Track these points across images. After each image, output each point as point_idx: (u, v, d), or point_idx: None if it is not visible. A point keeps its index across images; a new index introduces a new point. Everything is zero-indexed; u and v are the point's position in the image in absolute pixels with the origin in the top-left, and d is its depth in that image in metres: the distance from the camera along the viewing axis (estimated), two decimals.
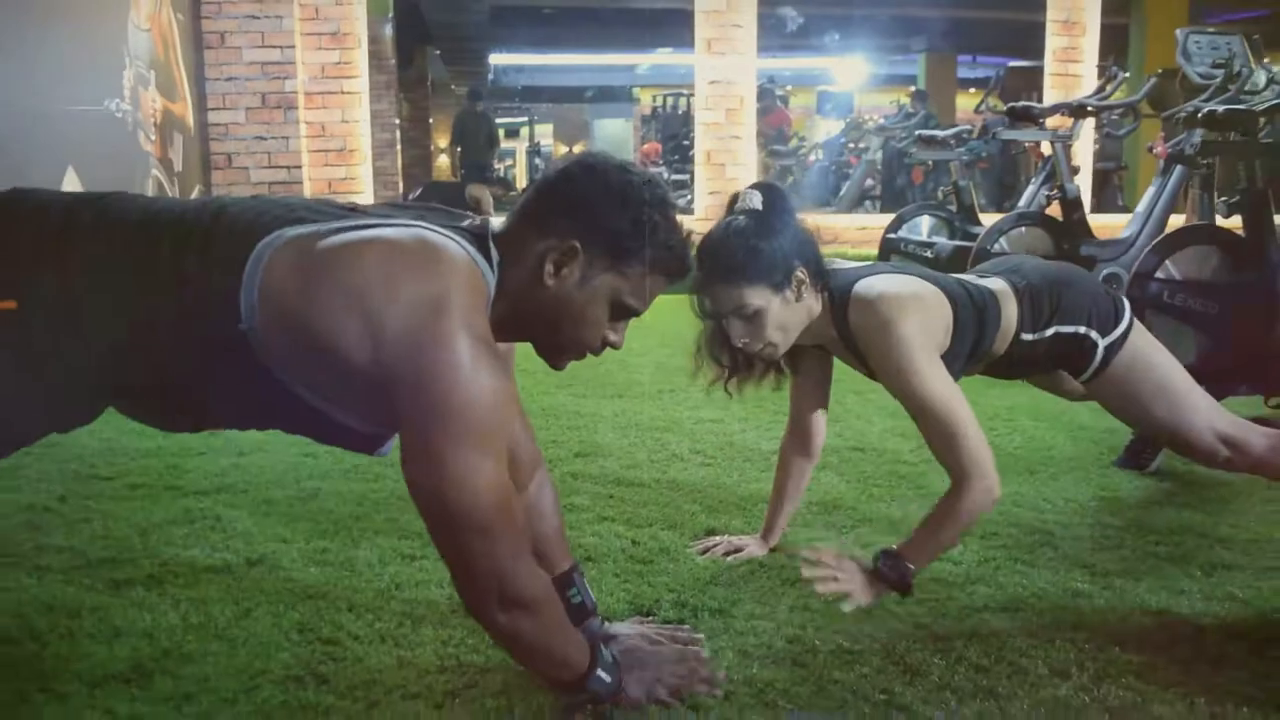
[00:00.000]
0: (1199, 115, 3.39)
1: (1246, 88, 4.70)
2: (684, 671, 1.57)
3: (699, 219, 7.08)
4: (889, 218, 5.84)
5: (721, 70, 6.84)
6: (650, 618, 1.85)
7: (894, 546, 1.80)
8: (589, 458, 2.86)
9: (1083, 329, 2.03)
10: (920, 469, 2.75)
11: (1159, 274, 3.30)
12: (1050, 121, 5.35)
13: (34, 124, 4.17)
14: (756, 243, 1.85)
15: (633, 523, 2.35)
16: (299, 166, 6.51)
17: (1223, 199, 3.42)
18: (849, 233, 6.95)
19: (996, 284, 2.05)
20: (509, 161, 19.33)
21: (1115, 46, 12.09)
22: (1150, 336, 2.12)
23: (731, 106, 6.86)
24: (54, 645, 1.74)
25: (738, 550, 2.18)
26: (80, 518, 2.37)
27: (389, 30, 10.52)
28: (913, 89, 13.14)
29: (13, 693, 1.58)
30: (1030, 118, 4.92)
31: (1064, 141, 4.74)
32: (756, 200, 1.90)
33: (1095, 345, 2.04)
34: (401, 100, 12.42)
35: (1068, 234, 4.46)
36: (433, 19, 13.63)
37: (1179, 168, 4.45)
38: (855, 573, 1.75)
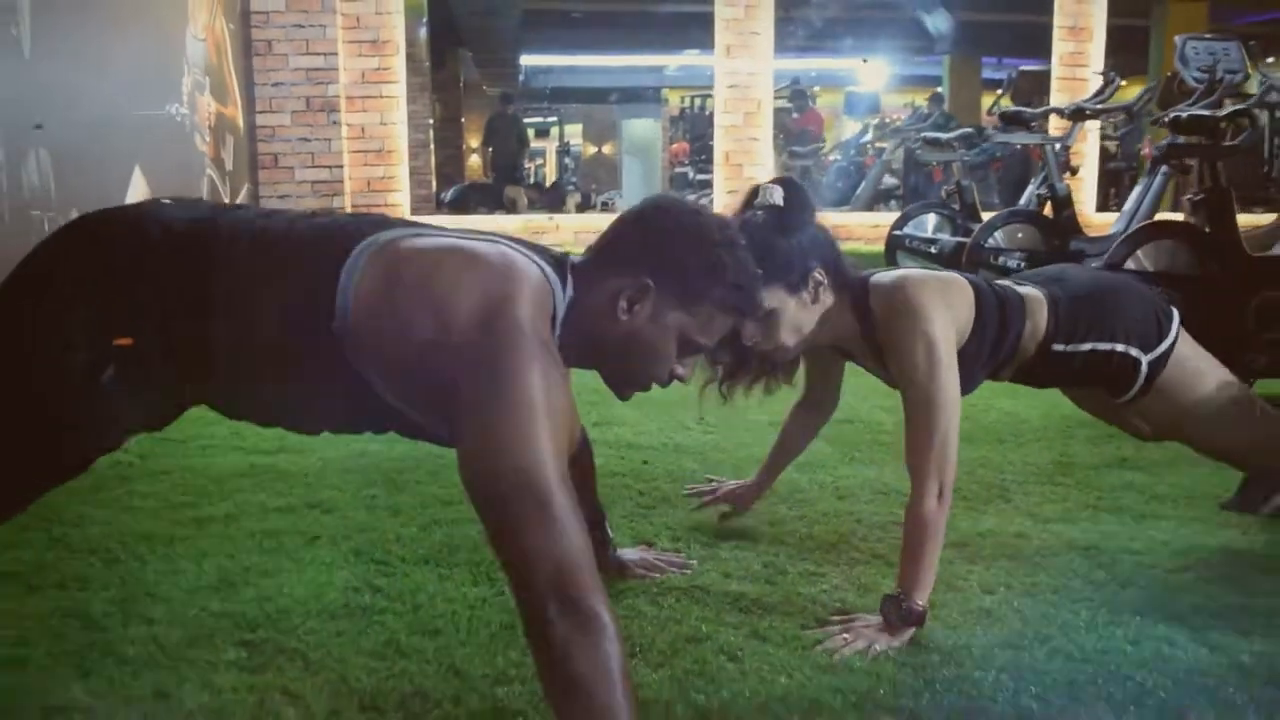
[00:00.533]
0: (1166, 120, 3.69)
1: (1242, 91, 4.96)
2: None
3: None
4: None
5: (740, 75, 7.18)
6: (650, 546, 2.19)
7: (894, 590, 1.77)
8: (605, 426, 3.20)
9: (1120, 346, 2.00)
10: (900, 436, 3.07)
11: (1129, 265, 3.60)
12: (1056, 123, 5.64)
13: (105, 128, 4.57)
14: (774, 241, 1.79)
15: (639, 477, 2.69)
16: (340, 166, 6.91)
17: (1186, 197, 3.71)
18: (861, 229, 7.26)
19: (1028, 289, 2.03)
20: (539, 161, 19.65)
21: (1135, 49, 12.31)
22: (1195, 345, 2.09)
23: (749, 110, 7.19)
24: (153, 563, 2.11)
25: (731, 493, 2.32)
26: (160, 470, 2.74)
27: (423, 33, 10.91)
28: (932, 91, 13.43)
29: (125, 596, 1.94)
30: (1022, 122, 5.22)
31: (1053, 144, 5.04)
32: (778, 196, 1.84)
33: (1138, 363, 2.01)
34: (435, 101, 12.79)
35: (1057, 230, 4.76)
36: (465, 22, 14.00)
37: (1164, 168, 4.73)
38: (867, 628, 1.75)
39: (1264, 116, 4.28)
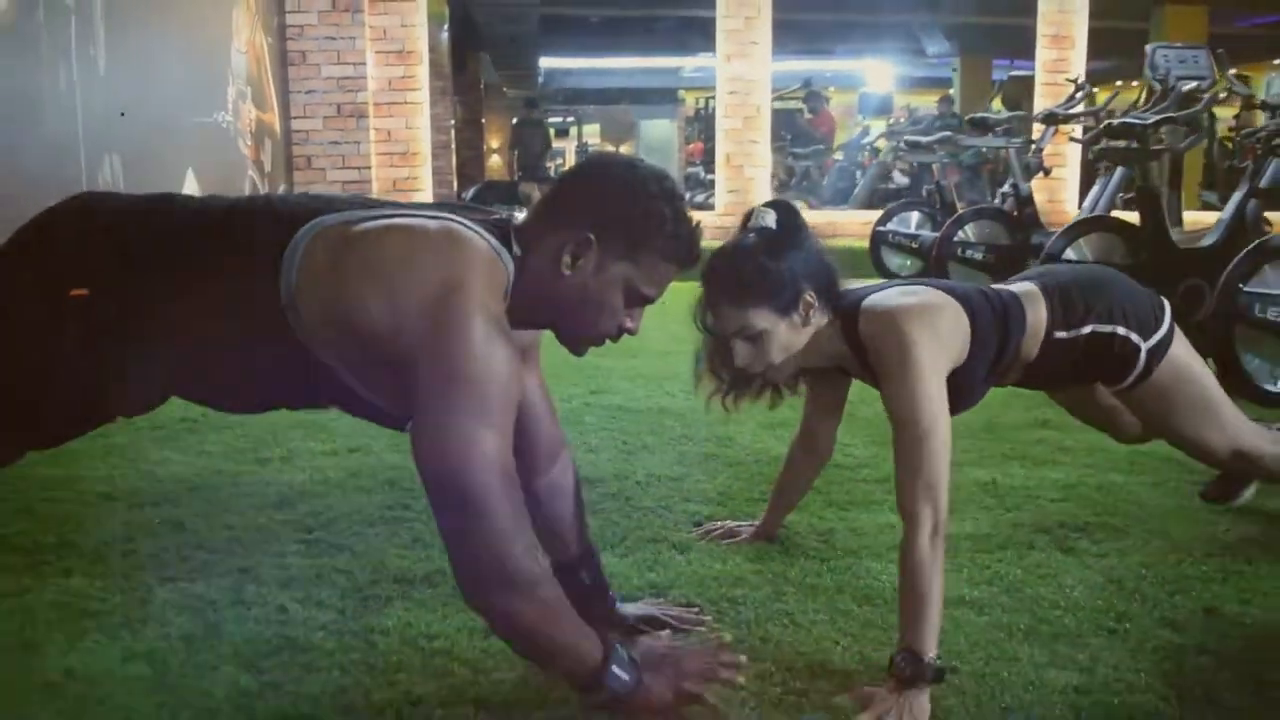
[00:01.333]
0: (1102, 126, 4.16)
1: (1196, 95, 5.39)
2: (708, 659, 1.52)
3: (720, 214, 7.89)
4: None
5: (740, 81, 7.67)
6: (660, 599, 1.97)
7: (900, 646, 1.61)
8: (599, 394, 3.69)
9: (1121, 330, 1.99)
10: None
11: (1067, 254, 4.07)
12: (1038, 127, 6.07)
13: (162, 134, 5.12)
14: (766, 264, 1.80)
15: (624, 431, 3.19)
16: (368, 167, 7.43)
17: (1121, 194, 4.17)
18: (854, 226, 7.73)
19: (1023, 286, 2.03)
20: (559, 161, 20.14)
21: (1133, 53, 12.65)
22: (1189, 345, 2.10)
23: (749, 114, 7.68)
24: (224, 490, 2.62)
25: (734, 534, 2.28)
26: (224, 425, 3.25)
27: (445, 38, 11.40)
28: (943, 93, 13.87)
29: (207, 511, 2.45)
30: (987, 127, 5.68)
31: (1015, 147, 5.50)
32: (770, 219, 1.84)
33: (1137, 349, 2.00)
34: (456, 104, 13.30)
35: (1020, 225, 5.23)
36: (486, 27, 14.50)
37: (1120, 167, 5.17)
38: (885, 695, 1.57)
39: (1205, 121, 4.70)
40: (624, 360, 4.19)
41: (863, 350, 1.86)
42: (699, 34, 14.46)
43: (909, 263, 6.36)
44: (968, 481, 2.70)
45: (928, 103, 14.42)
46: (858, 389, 2.11)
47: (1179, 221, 4.73)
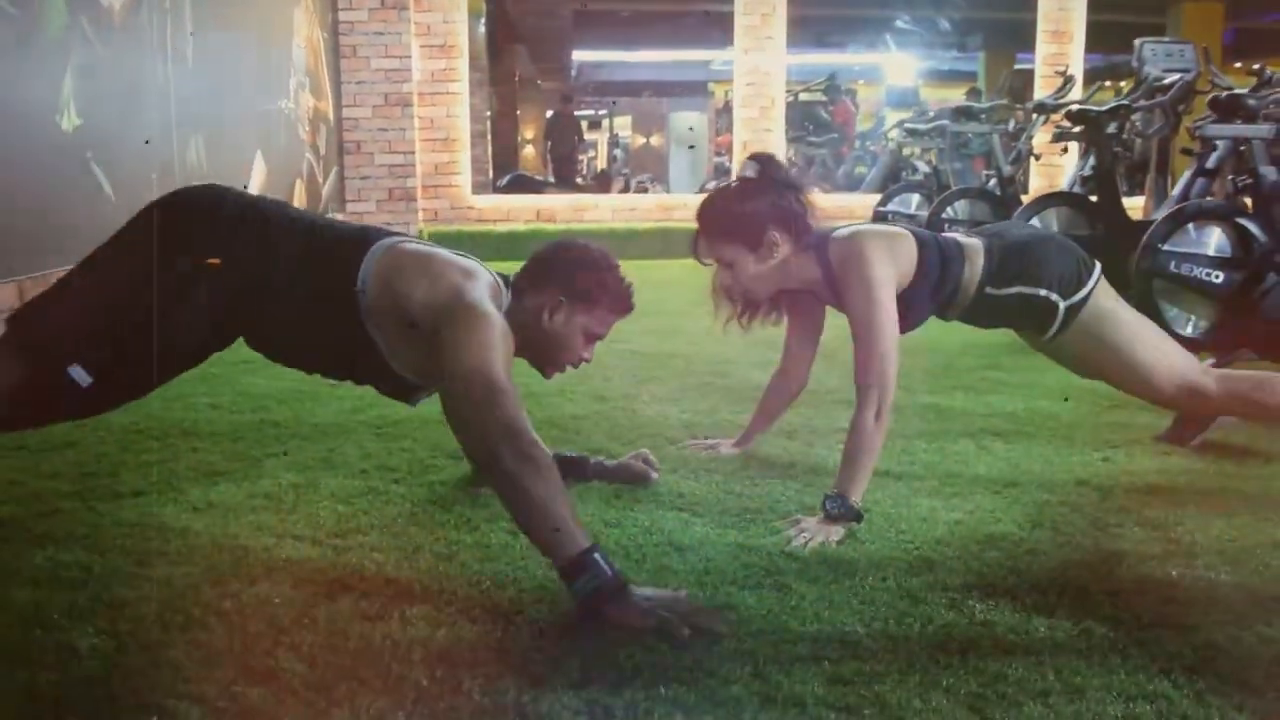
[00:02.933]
0: (1064, 112, 4.68)
1: (1176, 88, 5.86)
2: (685, 609, 1.66)
3: None
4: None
5: (756, 73, 8.23)
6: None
7: (833, 490, 2.10)
8: (616, 343, 4.27)
9: (1043, 291, 2.31)
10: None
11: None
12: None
13: (236, 120, 5.77)
14: (737, 207, 2.23)
15: (636, 367, 3.77)
16: (412, 152, 8.07)
17: (1081, 174, 4.69)
18: (864, 210, 8.25)
19: (970, 240, 2.37)
20: (590, 154, 20.56)
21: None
22: (1116, 298, 2.37)
23: (764, 104, 8.24)
24: (306, 402, 3.22)
25: (712, 448, 2.66)
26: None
27: (482, 32, 11.97)
28: (970, 85, 14.32)
29: (294, 415, 3.06)
30: (973, 116, 6.20)
31: (998, 133, 6.02)
32: (751, 170, 2.26)
33: (1056, 306, 2.31)
34: (492, 95, 13.84)
35: (1003, 204, 5.74)
36: (521, 21, 15.03)
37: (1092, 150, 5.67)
38: (814, 524, 2.05)
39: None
40: (641, 320, 4.76)
41: (832, 274, 2.24)
42: (725, 28, 14.95)
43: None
44: (916, 404, 3.24)
45: (954, 96, 14.82)
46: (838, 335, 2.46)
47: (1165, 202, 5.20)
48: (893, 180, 9.96)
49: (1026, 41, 16.17)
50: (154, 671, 1.51)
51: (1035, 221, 4.65)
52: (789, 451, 2.71)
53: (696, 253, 2.34)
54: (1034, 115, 6.39)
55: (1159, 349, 2.38)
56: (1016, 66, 10.16)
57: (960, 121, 6.48)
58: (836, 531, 2.05)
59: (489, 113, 12.24)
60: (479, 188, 9.23)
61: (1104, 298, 2.37)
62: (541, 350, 2.19)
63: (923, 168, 11.43)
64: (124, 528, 2.10)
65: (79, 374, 1.95)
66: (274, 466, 2.54)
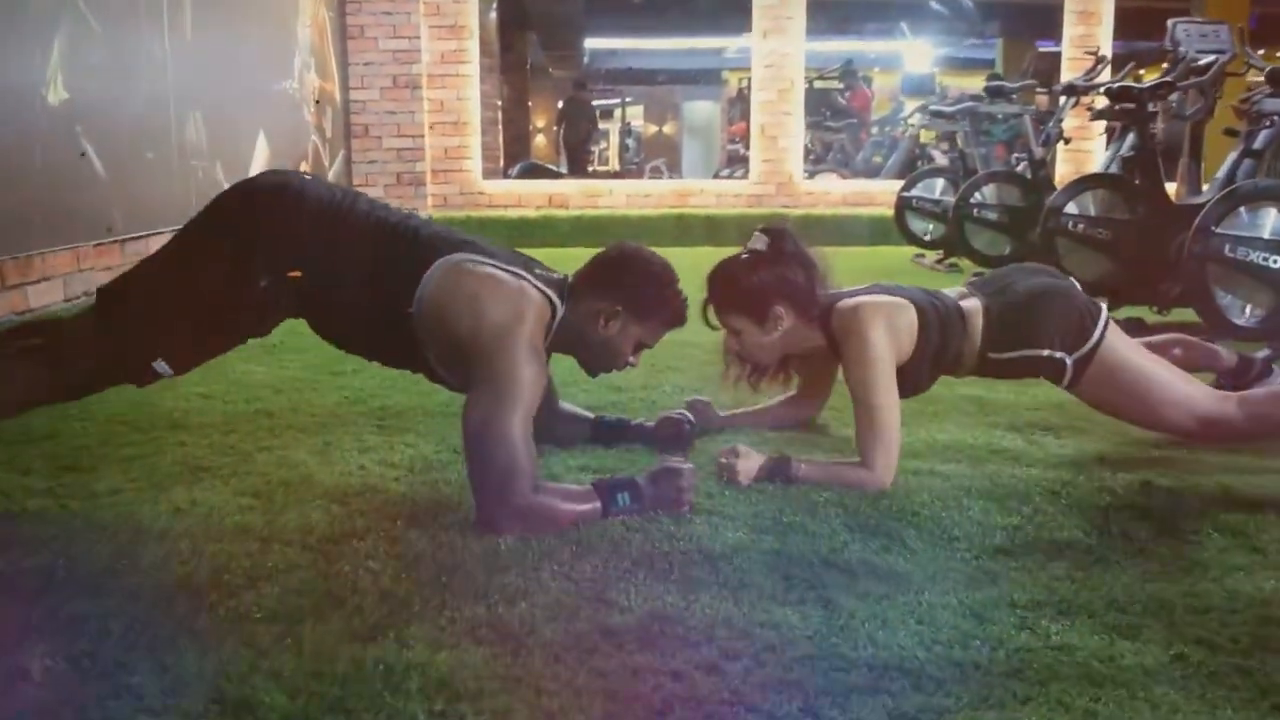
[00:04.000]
0: (1104, 90, 4.44)
1: (1215, 68, 5.61)
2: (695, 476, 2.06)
3: (754, 182, 8.22)
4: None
5: (775, 55, 7.99)
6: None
7: (796, 459, 2.22)
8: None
9: (1046, 352, 2.36)
10: None
11: (1069, 208, 4.37)
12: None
13: (238, 98, 5.56)
14: (744, 280, 2.30)
15: (655, 357, 3.55)
16: (421, 136, 7.86)
17: (1122, 155, 4.46)
18: (884, 196, 8.03)
19: (970, 303, 2.41)
20: (603, 145, 20.41)
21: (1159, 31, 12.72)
22: (1125, 341, 2.41)
23: (783, 88, 8.00)
24: (306, 392, 3.02)
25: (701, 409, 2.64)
26: (300, 348, 3.64)
27: (493, 17, 11.79)
28: (990, 72, 14.11)
29: (292, 405, 2.86)
30: (1003, 94, 5.96)
31: (1029, 114, 5.78)
32: (761, 243, 2.32)
33: (1063, 363, 2.36)
34: (503, 83, 13.68)
35: (1034, 187, 5.51)
36: (532, 7, 14.86)
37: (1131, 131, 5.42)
38: (751, 462, 2.19)
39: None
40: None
41: (835, 343, 2.31)
42: (740, 15, 14.75)
43: (932, 226, 6.63)
44: (956, 395, 3.03)
45: (971, 84, 14.62)
46: None
47: (1198, 188, 4.97)
48: (911, 167, 9.75)
49: (1045, 28, 16.12)
50: (113, 701, 1.31)
51: (1072, 206, 4.43)
52: (823, 449, 2.51)
53: (705, 318, 2.39)
54: (1064, 98, 6.15)
55: (1174, 386, 2.42)
56: (1041, 49, 9.88)
57: (990, 102, 6.22)
58: (751, 469, 2.19)
59: (500, 100, 12.06)
60: (490, 175, 9.03)
61: (1114, 342, 2.39)
62: (590, 353, 2.22)
63: (938, 156, 11.28)
64: (96, 531, 1.90)
65: (163, 368, 2.08)
66: (265, 462, 2.34)
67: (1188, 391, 2.42)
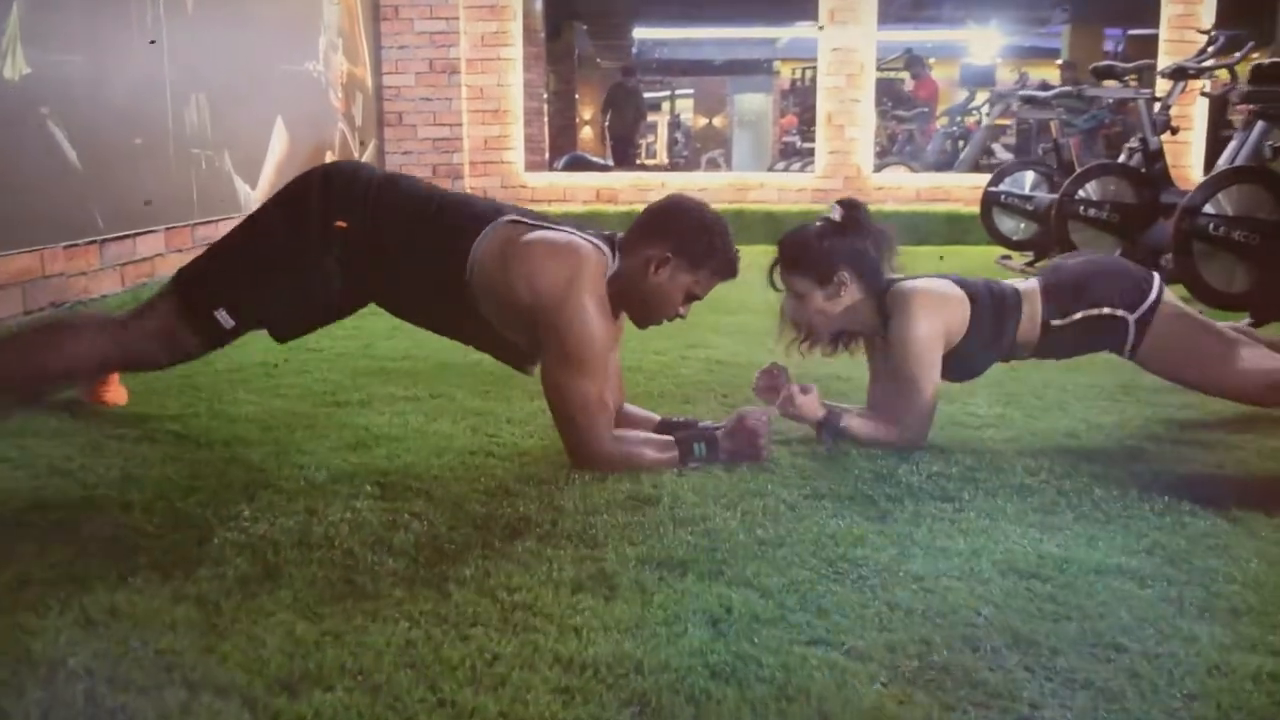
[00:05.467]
0: (1251, 67, 3.78)
1: None
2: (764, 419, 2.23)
3: (820, 176, 7.57)
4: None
5: (843, 39, 7.32)
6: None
7: (852, 411, 2.38)
8: (696, 348, 3.48)
9: (1107, 309, 2.40)
10: None
11: (1206, 208, 3.72)
12: (1164, 83, 5.64)
13: (250, 79, 5.00)
14: (816, 244, 2.37)
15: (721, 380, 2.97)
16: (460, 124, 7.29)
17: (1269, 143, 3.80)
18: (960, 191, 7.35)
19: (1026, 284, 2.48)
20: (650, 138, 19.86)
21: (1258, 19, 11.95)
22: (1182, 305, 2.45)
23: (852, 72, 7.33)
24: (300, 431, 2.46)
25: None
26: (302, 370, 3.11)
27: (539, 4, 11.24)
28: (1063, 60, 13.36)
29: (278, 451, 2.29)
30: (1114, 75, 5.28)
31: (1145, 98, 5.10)
32: (836, 213, 2.39)
33: (1125, 321, 2.40)
34: (549, 73, 13.13)
35: (1149, 183, 4.84)
36: None
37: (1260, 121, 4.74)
38: (813, 401, 2.34)
39: None
40: (723, 318, 3.98)
41: (887, 321, 2.37)
42: (796, 2, 14.11)
43: (1023, 225, 5.98)
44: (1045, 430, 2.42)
45: (1035, 73, 13.92)
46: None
47: None
48: (985, 158, 9.08)
49: (1113, 15, 15.34)
50: None
51: (1209, 205, 3.78)
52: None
53: (771, 279, 2.44)
54: (1174, 82, 5.47)
55: (1239, 351, 2.40)
56: (1130, 33, 9.13)
57: (1096, 86, 5.54)
58: (809, 412, 2.35)
59: (545, 91, 11.51)
60: (534, 168, 8.45)
61: (1174, 304, 2.43)
62: (640, 303, 2.24)
63: (1000, 151, 10.59)
64: None
65: (223, 316, 2.27)
66: (224, 542, 1.77)
67: (1254, 355, 2.40)
